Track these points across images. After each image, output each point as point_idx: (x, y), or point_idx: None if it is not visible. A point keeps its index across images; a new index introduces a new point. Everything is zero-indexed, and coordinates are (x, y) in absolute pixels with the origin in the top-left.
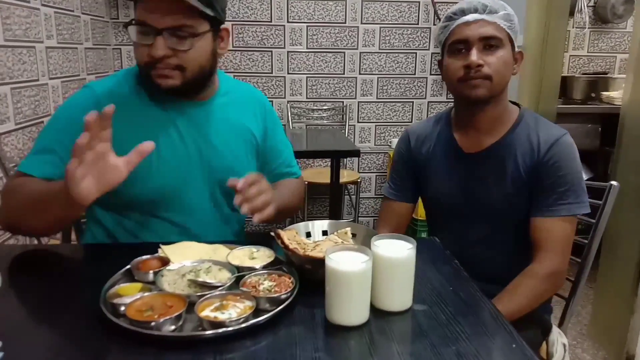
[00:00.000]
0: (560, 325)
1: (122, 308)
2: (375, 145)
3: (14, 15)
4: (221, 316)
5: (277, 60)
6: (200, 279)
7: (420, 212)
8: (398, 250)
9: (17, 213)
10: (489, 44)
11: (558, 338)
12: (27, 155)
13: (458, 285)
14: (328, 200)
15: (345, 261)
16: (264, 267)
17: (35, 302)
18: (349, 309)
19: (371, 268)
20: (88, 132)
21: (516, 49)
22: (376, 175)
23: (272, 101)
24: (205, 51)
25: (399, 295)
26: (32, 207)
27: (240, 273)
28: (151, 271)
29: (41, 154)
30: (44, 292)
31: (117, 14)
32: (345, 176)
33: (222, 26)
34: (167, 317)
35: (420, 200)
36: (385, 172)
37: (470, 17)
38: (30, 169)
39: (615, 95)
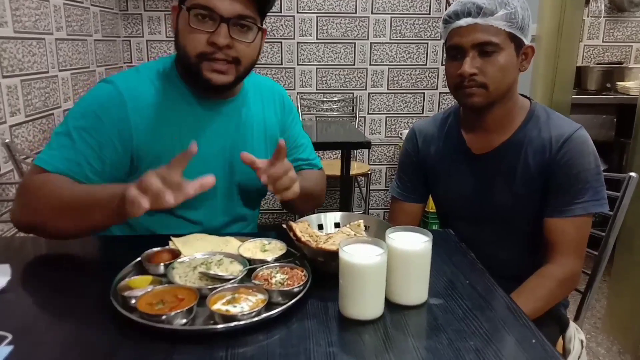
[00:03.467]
0: (576, 320)
1: (133, 301)
2: (385, 137)
3: (23, 6)
4: (233, 310)
5: (287, 51)
6: (211, 272)
7: (431, 205)
8: (414, 243)
9: (44, 214)
10: (484, 50)
11: (575, 334)
12: (46, 148)
13: (474, 279)
14: (338, 193)
15: (359, 254)
16: (276, 260)
17: (45, 295)
18: (364, 302)
19: (386, 261)
20: (166, 171)
21: (526, 43)
22: (387, 167)
23: None
24: (258, 47)
25: (415, 289)
26: (67, 211)
27: (252, 266)
28: (162, 264)
29: (64, 151)
30: (54, 285)
31: (126, 6)
32: (355, 168)
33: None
34: (179, 311)
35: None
36: (396, 165)
37: (463, 21)
38: (53, 166)
39: (631, 85)
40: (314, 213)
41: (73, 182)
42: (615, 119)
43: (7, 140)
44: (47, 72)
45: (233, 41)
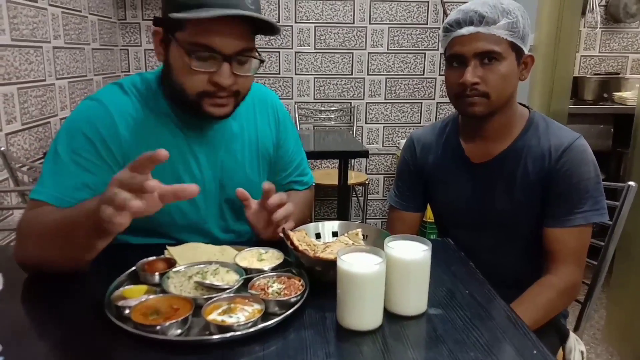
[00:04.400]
0: (575, 330)
1: (127, 311)
2: (383, 146)
3: (21, 14)
4: (229, 320)
5: (285, 60)
6: (207, 281)
7: (429, 214)
8: (413, 252)
9: (35, 247)
10: (486, 59)
11: (575, 345)
12: (39, 180)
13: (474, 288)
14: (336, 202)
15: (357, 263)
16: (273, 269)
17: (37, 304)
18: (362, 312)
19: (385, 270)
20: (134, 171)
21: (526, 53)
22: (384, 177)
23: None
24: (254, 73)
25: (414, 299)
26: (52, 237)
27: (248, 275)
28: (157, 273)
29: (56, 177)
30: (46, 295)
31: (124, 15)
32: (353, 177)
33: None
34: (173, 321)
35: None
36: (394, 174)
37: (465, 30)
38: (45, 196)
39: (628, 95)
40: (310, 222)
41: (70, 208)
42: (612, 129)
43: (2, 149)
44: (44, 80)
45: (235, 77)
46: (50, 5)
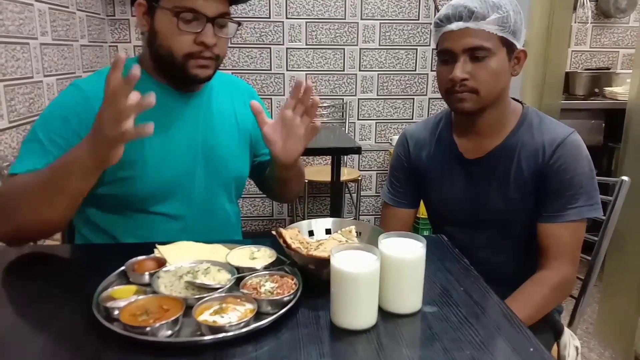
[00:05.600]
0: (569, 326)
1: (116, 312)
2: (375, 142)
3: (6, 10)
4: (220, 320)
5: (276, 56)
6: (198, 281)
7: (422, 211)
8: (408, 250)
9: (20, 211)
10: (476, 54)
11: (570, 340)
12: (17, 159)
13: (469, 285)
14: (328, 199)
15: (351, 261)
16: (265, 268)
17: (25, 307)
18: (356, 311)
19: (379, 268)
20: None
21: (519, 48)
22: (377, 173)
23: (271, 98)
24: (228, 41)
25: (409, 297)
26: (39, 194)
27: (240, 274)
28: (147, 273)
29: (33, 156)
30: (32, 296)
31: (113, 11)
32: (345, 174)
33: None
34: (163, 322)
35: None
36: (386, 171)
37: (454, 25)
38: (21, 168)
39: (619, 90)
40: (303, 219)
41: (54, 162)
42: (603, 124)
43: None
44: (32, 77)
45: (217, 39)
46: (37, 1)
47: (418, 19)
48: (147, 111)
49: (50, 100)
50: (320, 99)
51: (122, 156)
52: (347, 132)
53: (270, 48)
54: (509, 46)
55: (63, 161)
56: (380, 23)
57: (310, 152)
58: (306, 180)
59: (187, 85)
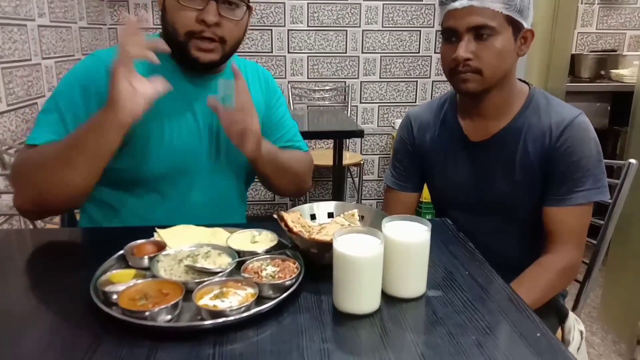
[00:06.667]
0: (574, 310)
1: (115, 296)
2: (378, 126)
3: None
4: (221, 305)
5: (277, 39)
6: (198, 265)
7: (425, 194)
8: (412, 234)
9: (41, 179)
10: (480, 33)
11: (575, 325)
12: (35, 127)
13: (474, 269)
14: (330, 183)
15: (355, 245)
16: (267, 252)
17: (21, 290)
18: (359, 296)
19: (383, 253)
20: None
21: (526, 27)
22: (379, 157)
23: None
24: (244, 26)
25: (413, 281)
26: (57, 159)
27: (241, 258)
28: (146, 256)
29: (52, 126)
30: (30, 279)
31: None
32: (347, 158)
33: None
34: (163, 306)
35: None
36: (389, 155)
37: (458, 3)
38: (41, 140)
39: (626, 73)
40: (305, 203)
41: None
42: (609, 107)
43: None
44: (30, 59)
45: (221, 19)
46: None
47: (421, 0)
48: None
49: (49, 83)
50: (322, 81)
51: (138, 130)
52: (349, 115)
53: (271, 30)
54: (515, 25)
55: (78, 130)
56: (383, 4)
57: (312, 135)
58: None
59: (198, 70)
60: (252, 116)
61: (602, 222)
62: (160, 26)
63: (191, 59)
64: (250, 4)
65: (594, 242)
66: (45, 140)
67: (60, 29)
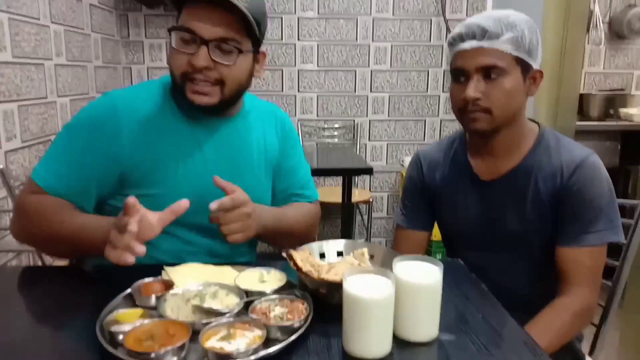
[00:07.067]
0: (590, 354)
1: (120, 337)
2: (387, 164)
3: (23, 32)
4: (228, 347)
5: (288, 78)
6: (205, 305)
7: (435, 232)
8: (424, 275)
9: (39, 240)
10: (489, 74)
11: None
12: (43, 159)
13: (488, 312)
14: (339, 220)
15: (365, 286)
16: (275, 292)
17: (26, 328)
18: (370, 339)
19: (394, 294)
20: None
21: (534, 67)
22: (388, 195)
23: None
24: (245, 70)
25: (425, 324)
26: (60, 241)
27: (249, 298)
28: (153, 295)
29: (58, 165)
30: (38, 318)
31: (127, 33)
32: (357, 195)
33: (261, 49)
34: (169, 348)
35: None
36: (398, 192)
37: (467, 44)
38: (48, 185)
39: (634, 112)
40: (314, 241)
41: (64, 207)
42: (619, 146)
43: (1, 167)
44: (46, 97)
45: (215, 63)
46: (53, 22)
47: (430, 41)
48: (173, 130)
49: (63, 120)
50: (331, 120)
51: (146, 174)
52: (358, 153)
53: (282, 70)
54: (524, 66)
55: (85, 227)
56: (392, 45)
57: (321, 172)
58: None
59: (200, 112)
60: (247, 208)
61: (617, 263)
62: None
63: (188, 101)
64: (244, 50)
65: (609, 283)
66: (49, 185)
67: (76, 68)
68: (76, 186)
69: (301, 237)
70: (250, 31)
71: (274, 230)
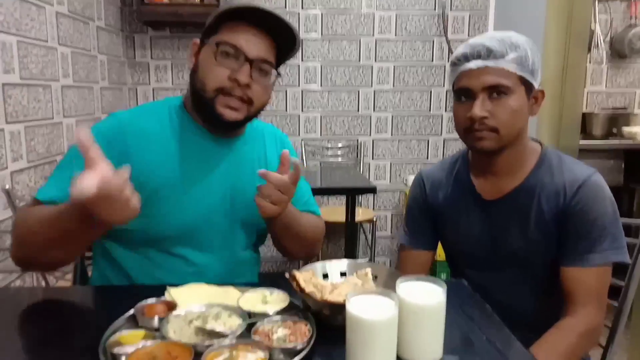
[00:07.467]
0: None
1: (123, 358)
2: (390, 183)
3: (31, 54)
4: None
5: (292, 98)
6: (208, 327)
7: (440, 252)
8: (427, 295)
9: (31, 241)
10: (495, 92)
11: None
12: (47, 182)
13: (492, 333)
14: (343, 240)
15: (368, 307)
16: (278, 313)
17: (32, 349)
18: None
19: (397, 315)
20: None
21: (536, 87)
22: (392, 214)
23: None
24: (270, 92)
25: (429, 346)
26: (43, 231)
27: (251, 320)
28: (156, 317)
29: (61, 182)
30: (42, 339)
31: (133, 54)
32: (360, 214)
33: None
34: None
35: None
36: (402, 211)
37: (472, 64)
38: (44, 196)
39: (637, 130)
40: (317, 260)
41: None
42: (623, 164)
43: (7, 187)
44: (52, 118)
45: (252, 82)
46: (60, 45)
47: (432, 61)
48: (181, 151)
49: (69, 140)
50: (335, 139)
51: (151, 194)
52: (361, 172)
53: (286, 90)
54: (528, 86)
55: (69, 206)
56: (395, 66)
57: (324, 192)
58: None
59: (220, 129)
60: (289, 198)
61: (622, 283)
62: (179, 86)
63: (216, 114)
64: (280, 72)
65: (616, 304)
66: (48, 196)
67: (83, 89)
68: None
69: (308, 245)
70: (281, 55)
71: (288, 225)
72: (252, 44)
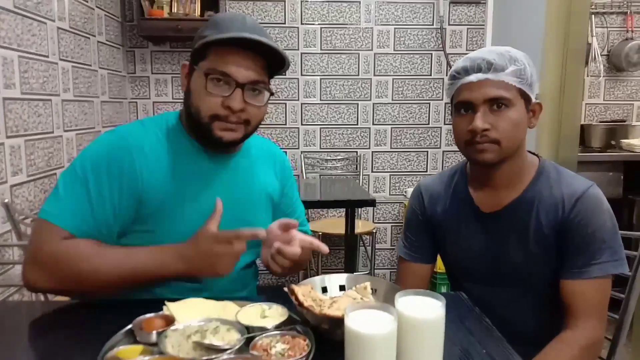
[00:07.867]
0: None
1: None
2: (390, 195)
3: (32, 69)
4: None
5: (291, 111)
6: (206, 341)
7: (439, 264)
8: (426, 310)
9: (81, 285)
10: (496, 105)
11: None
12: (56, 199)
13: (492, 347)
14: (342, 252)
15: (367, 321)
16: (277, 327)
17: None
18: None
19: (396, 330)
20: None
21: (534, 100)
22: (392, 226)
23: (285, 152)
24: (265, 109)
25: None
26: (113, 284)
27: (250, 334)
28: (154, 332)
29: (76, 204)
30: (40, 354)
31: (134, 69)
32: (360, 227)
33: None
34: None
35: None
36: (401, 223)
37: (473, 77)
38: (71, 226)
39: (636, 142)
40: (317, 274)
41: (100, 247)
42: (622, 176)
43: (6, 200)
44: (52, 132)
45: (246, 105)
46: (61, 59)
47: (430, 75)
48: (180, 168)
49: (69, 154)
50: (334, 152)
51: (146, 209)
52: (361, 184)
53: (285, 104)
54: (526, 98)
55: (144, 263)
56: (393, 79)
57: (324, 204)
58: (320, 234)
59: (219, 148)
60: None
61: (622, 295)
62: (179, 100)
63: (215, 138)
64: (272, 90)
65: (616, 316)
66: (75, 226)
67: (83, 103)
68: (101, 225)
69: (295, 269)
70: (273, 72)
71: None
72: (243, 68)
